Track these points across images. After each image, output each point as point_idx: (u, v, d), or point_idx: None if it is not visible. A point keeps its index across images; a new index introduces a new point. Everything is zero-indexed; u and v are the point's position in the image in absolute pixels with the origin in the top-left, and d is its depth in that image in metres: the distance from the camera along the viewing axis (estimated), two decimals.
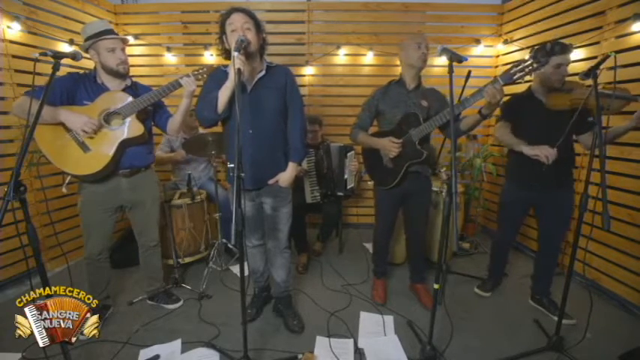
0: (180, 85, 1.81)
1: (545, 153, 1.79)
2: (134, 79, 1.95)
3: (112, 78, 1.83)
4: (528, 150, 1.86)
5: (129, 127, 1.80)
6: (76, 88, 1.78)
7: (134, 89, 1.90)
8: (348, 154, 2.79)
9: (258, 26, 1.66)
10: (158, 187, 2.12)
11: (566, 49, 1.84)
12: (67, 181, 1.88)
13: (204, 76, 1.84)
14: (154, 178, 2.07)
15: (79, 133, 1.72)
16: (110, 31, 1.78)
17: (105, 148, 1.77)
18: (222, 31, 1.66)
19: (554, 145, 1.78)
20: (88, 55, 1.81)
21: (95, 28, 1.77)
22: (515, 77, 1.60)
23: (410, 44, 1.96)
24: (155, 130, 2.06)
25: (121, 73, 1.81)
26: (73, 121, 1.68)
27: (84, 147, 1.75)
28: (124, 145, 1.82)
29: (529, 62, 1.56)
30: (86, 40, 1.76)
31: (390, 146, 1.95)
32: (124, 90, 1.85)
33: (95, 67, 1.84)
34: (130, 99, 1.79)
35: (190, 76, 1.81)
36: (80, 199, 1.90)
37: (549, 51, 1.66)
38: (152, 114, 1.97)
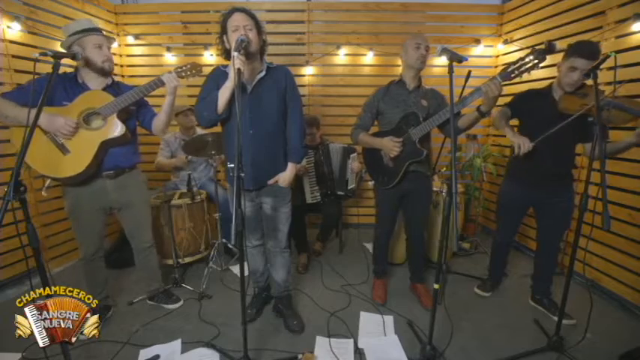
0: (163, 83, 1.77)
1: (520, 142, 1.80)
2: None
3: (95, 76, 1.79)
4: (510, 135, 1.89)
5: (109, 128, 1.75)
6: (55, 89, 1.72)
7: (116, 88, 1.85)
8: (351, 155, 2.80)
9: (258, 27, 1.66)
10: (146, 187, 2.08)
11: (588, 54, 1.69)
12: (46, 185, 1.84)
13: (188, 73, 1.80)
14: (140, 178, 2.03)
15: (57, 135, 1.67)
16: (97, 29, 1.77)
17: (85, 150, 1.72)
18: (223, 31, 1.66)
19: (537, 140, 1.77)
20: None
21: (82, 25, 1.74)
22: (513, 75, 1.59)
23: (410, 44, 1.96)
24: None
25: (106, 70, 1.77)
26: (50, 123, 1.63)
27: (63, 149, 1.70)
28: (105, 146, 1.77)
29: (526, 60, 1.55)
30: (71, 35, 1.72)
31: (391, 145, 1.95)
32: (104, 89, 1.81)
33: (76, 67, 1.79)
34: (111, 98, 1.74)
35: (172, 72, 1.78)
36: (66, 203, 1.87)
37: (547, 49, 1.61)
38: (135, 113, 1.93)
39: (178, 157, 2.85)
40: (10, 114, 1.61)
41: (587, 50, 1.72)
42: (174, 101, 1.86)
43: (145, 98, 1.88)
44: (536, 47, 1.63)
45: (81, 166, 1.71)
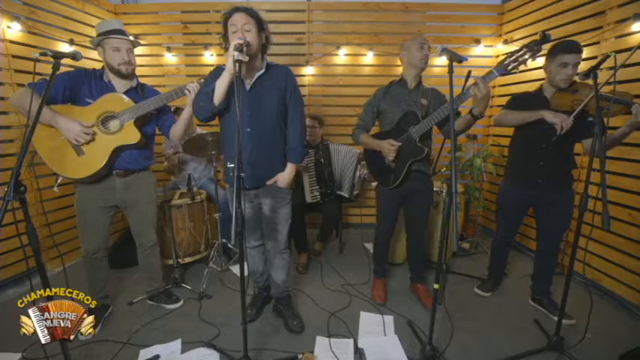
0: (184, 94, 1.80)
1: (561, 119, 1.73)
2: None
3: (118, 78, 1.83)
4: (549, 115, 1.78)
5: (125, 133, 1.78)
6: (81, 85, 1.77)
7: (140, 91, 1.88)
8: (362, 163, 2.81)
9: (260, 26, 1.64)
10: (154, 187, 2.10)
11: (573, 48, 1.79)
12: (58, 182, 1.86)
13: None
14: (150, 179, 2.05)
15: (72, 142, 1.71)
16: (120, 31, 1.78)
17: (99, 154, 1.76)
18: (225, 31, 1.64)
19: (552, 140, 1.79)
20: (96, 55, 1.83)
21: (107, 26, 1.77)
22: (509, 67, 1.58)
23: (413, 44, 1.96)
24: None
25: (123, 73, 1.80)
26: (67, 129, 1.68)
27: (78, 150, 1.74)
28: (119, 150, 1.81)
29: (522, 51, 1.55)
30: (98, 35, 1.77)
31: (388, 148, 1.96)
32: (128, 91, 1.84)
33: (103, 66, 1.84)
34: (131, 104, 1.77)
35: (195, 82, 1.80)
36: (76, 196, 1.90)
37: (542, 40, 1.62)
38: (155, 118, 1.95)
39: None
40: (33, 109, 1.63)
41: (570, 45, 1.80)
42: (193, 113, 1.87)
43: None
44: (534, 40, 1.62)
45: (93, 169, 1.76)
